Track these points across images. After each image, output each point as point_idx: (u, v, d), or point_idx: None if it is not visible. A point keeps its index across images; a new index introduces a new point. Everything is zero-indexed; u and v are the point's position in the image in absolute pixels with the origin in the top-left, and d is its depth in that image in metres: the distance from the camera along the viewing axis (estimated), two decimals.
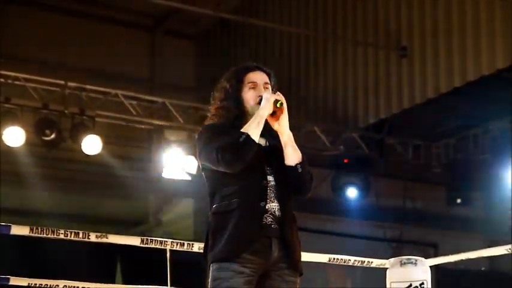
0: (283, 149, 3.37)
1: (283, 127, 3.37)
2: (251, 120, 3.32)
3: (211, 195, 3.36)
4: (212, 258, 3.28)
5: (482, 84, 8.81)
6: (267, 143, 3.41)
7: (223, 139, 3.26)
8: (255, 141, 3.27)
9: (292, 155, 3.36)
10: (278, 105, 3.34)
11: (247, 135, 3.25)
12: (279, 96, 3.37)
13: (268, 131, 3.41)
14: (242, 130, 3.27)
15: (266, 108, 3.33)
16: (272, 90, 3.48)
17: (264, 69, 3.52)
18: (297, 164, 3.35)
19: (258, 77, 3.47)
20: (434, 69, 9.09)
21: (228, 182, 3.29)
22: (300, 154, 3.38)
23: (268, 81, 3.48)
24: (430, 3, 9.17)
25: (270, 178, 3.33)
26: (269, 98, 3.35)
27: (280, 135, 3.38)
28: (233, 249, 3.22)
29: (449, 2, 8.93)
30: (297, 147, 3.39)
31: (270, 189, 3.31)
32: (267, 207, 3.28)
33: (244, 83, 3.44)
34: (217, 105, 3.46)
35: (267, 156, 3.37)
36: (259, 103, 3.36)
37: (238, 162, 3.24)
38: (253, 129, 3.28)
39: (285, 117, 3.36)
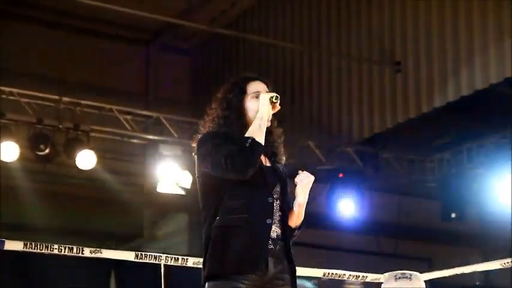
0: (295, 208, 3.39)
1: (304, 193, 3.39)
2: (253, 123, 3.32)
3: (213, 206, 3.30)
4: (214, 272, 3.25)
5: (476, 99, 8.83)
6: (268, 164, 3.43)
7: (229, 147, 3.25)
8: (261, 144, 3.27)
9: (297, 218, 3.40)
10: (274, 100, 3.37)
11: (253, 139, 3.26)
12: (272, 93, 3.42)
13: (272, 153, 3.45)
14: (246, 135, 3.28)
15: (265, 109, 3.35)
16: None
17: (263, 80, 3.54)
18: (295, 229, 3.41)
19: (261, 86, 3.48)
20: (428, 84, 9.11)
21: (233, 195, 3.27)
22: (303, 217, 3.42)
23: (268, 91, 3.50)
24: (424, 18, 9.20)
25: (271, 198, 3.33)
26: (264, 97, 3.38)
27: (297, 195, 3.39)
28: (239, 269, 3.21)
29: (443, 17, 8.97)
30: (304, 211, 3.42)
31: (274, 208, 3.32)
32: (273, 226, 3.30)
33: (247, 92, 3.44)
34: (218, 114, 3.43)
35: (269, 178, 3.37)
36: None
37: (249, 168, 3.23)
38: (257, 132, 3.29)
39: (309, 184, 3.39)
